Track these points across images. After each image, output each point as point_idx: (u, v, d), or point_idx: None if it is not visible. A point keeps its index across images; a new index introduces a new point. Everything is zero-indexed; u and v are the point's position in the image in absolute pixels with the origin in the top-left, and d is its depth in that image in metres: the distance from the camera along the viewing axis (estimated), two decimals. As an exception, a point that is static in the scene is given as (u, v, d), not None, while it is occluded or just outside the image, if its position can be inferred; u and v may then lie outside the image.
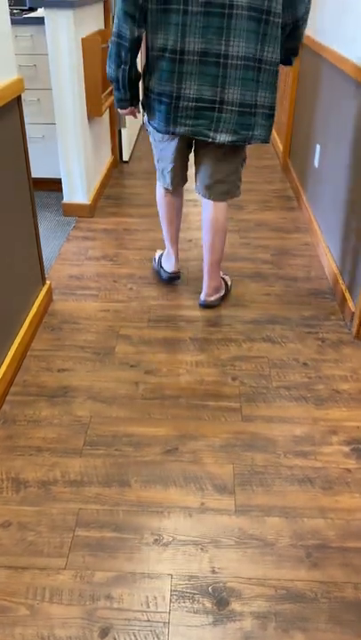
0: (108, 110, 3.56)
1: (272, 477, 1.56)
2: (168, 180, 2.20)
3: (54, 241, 2.91)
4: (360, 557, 1.35)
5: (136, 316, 2.28)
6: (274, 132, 4.61)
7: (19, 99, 1.91)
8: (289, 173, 3.78)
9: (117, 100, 2.03)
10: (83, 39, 2.85)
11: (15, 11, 3.23)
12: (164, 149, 2.13)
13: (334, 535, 1.40)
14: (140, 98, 2.06)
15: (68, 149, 3.00)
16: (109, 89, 3.37)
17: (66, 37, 2.71)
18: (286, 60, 2.01)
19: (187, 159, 2.19)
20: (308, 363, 2.02)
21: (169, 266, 2.50)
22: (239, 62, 1.81)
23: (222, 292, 2.39)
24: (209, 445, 1.66)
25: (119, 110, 2.09)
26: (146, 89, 1.99)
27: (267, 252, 2.83)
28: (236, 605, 1.25)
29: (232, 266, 2.68)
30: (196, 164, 2.14)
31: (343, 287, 2.32)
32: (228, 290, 2.43)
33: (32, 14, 3.11)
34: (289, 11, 1.81)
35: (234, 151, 2.06)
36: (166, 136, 2.06)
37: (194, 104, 1.89)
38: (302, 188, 3.34)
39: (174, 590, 1.28)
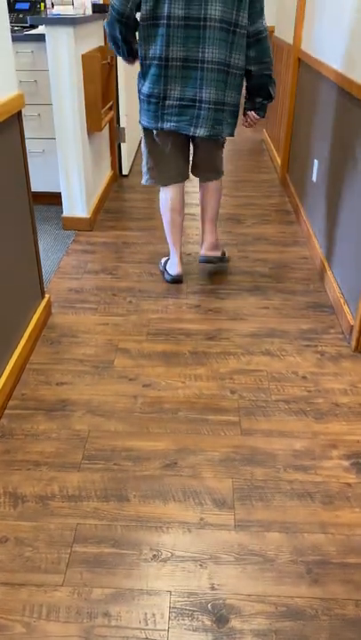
0: (107, 125, 3.59)
1: (272, 492, 1.55)
2: (171, 173, 2.46)
3: (54, 254, 2.92)
4: (361, 573, 1.34)
5: (135, 330, 2.28)
6: (273, 148, 4.65)
7: (19, 114, 1.92)
8: (287, 188, 3.80)
9: (121, 56, 2.34)
10: (83, 55, 2.89)
11: (16, 27, 3.27)
12: (162, 150, 2.40)
13: (335, 551, 1.39)
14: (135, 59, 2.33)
15: (68, 164, 3.02)
16: (109, 104, 3.41)
17: (66, 53, 2.74)
18: (254, 100, 2.35)
19: (186, 153, 2.47)
20: (308, 376, 2.01)
21: (173, 269, 2.63)
22: (213, 66, 2.14)
23: (219, 252, 2.70)
24: (208, 460, 1.65)
25: (126, 61, 2.38)
26: (139, 92, 2.30)
27: (265, 265, 2.84)
28: (235, 623, 1.23)
29: (231, 279, 2.68)
30: (193, 155, 2.50)
31: (342, 300, 2.32)
32: (226, 258, 2.77)
33: (33, 31, 3.15)
34: (251, 24, 2.17)
35: (215, 142, 2.45)
36: (164, 139, 2.35)
37: (178, 102, 2.21)
38: (301, 202, 3.36)
39: (173, 607, 1.26)
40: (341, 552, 1.38)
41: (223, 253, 2.73)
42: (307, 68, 3.22)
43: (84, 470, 1.61)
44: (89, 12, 2.99)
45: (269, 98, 2.33)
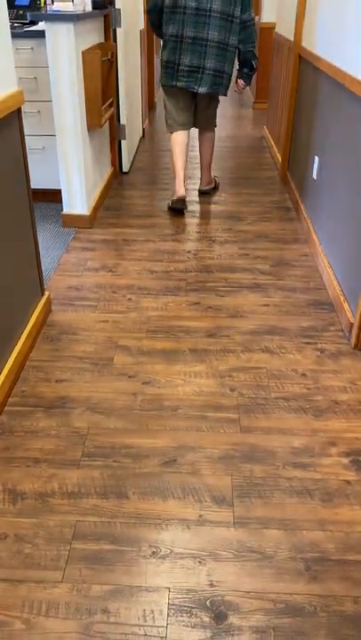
0: (107, 122, 3.59)
1: (271, 489, 1.55)
2: (182, 121, 3.36)
3: (53, 252, 2.91)
4: (360, 570, 1.34)
5: (135, 327, 2.28)
6: (273, 144, 4.65)
7: (19, 111, 1.92)
8: (288, 185, 3.80)
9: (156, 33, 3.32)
10: (83, 52, 2.88)
11: (16, 24, 3.26)
12: (176, 100, 3.31)
13: (334, 548, 1.39)
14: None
15: (68, 161, 3.01)
16: (109, 101, 3.40)
17: (66, 50, 2.74)
18: (241, 70, 3.31)
19: (191, 108, 3.36)
20: (307, 373, 2.01)
21: (178, 191, 3.40)
22: (214, 44, 3.08)
23: (213, 185, 3.76)
24: (207, 457, 1.65)
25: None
26: (162, 60, 3.22)
27: (266, 262, 2.84)
28: (234, 619, 1.23)
29: (231, 277, 2.68)
30: (195, 107, 3.39)
31: (342, 298, 2.32)
32: (216, 186, 3.82)
33: (33, 27, 3.14)
34: (241, 14, 3.08)
35: (212, 99, 3.38)
36: (176, 91, 3.27)
37: (187, 68, 3.14)
38: (301, 199, 3.35)
39: (172, 604, 1.26)
40: (340, 549, 1.39)
41: (216, 185, 3.79)
42: (307, 64, 3.21)
43: (84, 467, 1.61)
44: (89, 8, 2.98)
45: (252, 69, 3.29)
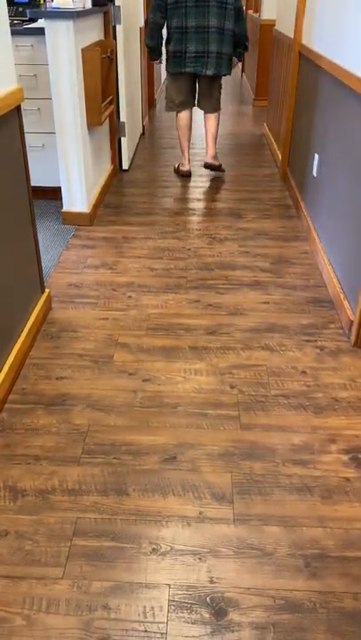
0: (107, 119, 3.59)
1: (271, 486, 1.55)
2: (178, 101, 3.80)
3: (54, 249, 2.92)
4: (359, 567, 1.35)
5: (135, 325, 2.28)
6: (273, 142, 4.64)
7: (18, 108, 1.92)
8: (288, 182, 3.80)
9: (152, 57, 3.87)
10: (83, 49, 2.88)
11: (16, 21, 3.26)
12: (178, 85, 3.75)
13: (333, 545, 1.40)
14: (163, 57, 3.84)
15: (68, 158, 3.01)
16: (109, 98, 3.40)
17: (66, 47, 2.73)
18: (235, 50, 3.69)
19: (191, 92, 3.81)
20: (307, 371, 2.01)
21: (184, 167, 4.00)
22: (214, 30, 3.51)
23: (217, 162, 4.02)
24: (207, 454, 1.66)
25: (152, 61, 4.03)
26: (167, 51, 3.64)
27: (266, 260, 2.84)
28: (234, 616, 1.24)
29: (231, 274, 2.69)
30: (198, 93, 3.85)
31: (342, 295, 2.32)
32: (223, 168, 4.09)
33: (32, 25, 3.14)
34: (235, 2, 3.51)
35: (215, 81, 3.78)
36: (180, 76, 3.70)
37: (194, 55, 3.57)
38: (301, 196, 3.35)
39: (172, 600, 1.27)
40: (340, 546, 1.39)
41: (220, 165, 4.03)
42: (308, 61, 3.21)
43: (84, 464, 1.62)
44: (89, 5, 2.98)
45: (246, 48, 3.73)
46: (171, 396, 1.88)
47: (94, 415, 1.80)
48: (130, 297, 2.49)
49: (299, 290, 2.56)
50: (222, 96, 4.06)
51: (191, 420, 1.79)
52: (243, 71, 8.92)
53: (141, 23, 4.93)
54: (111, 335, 2.21)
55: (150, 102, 6.36)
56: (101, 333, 2.22)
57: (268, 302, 2.45)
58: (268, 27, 5.50)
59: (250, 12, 7.60)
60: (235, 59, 3.76)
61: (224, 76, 3.71)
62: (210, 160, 4.01)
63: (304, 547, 1.39)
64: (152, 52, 3.79)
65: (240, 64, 4.13)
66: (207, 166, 4.03)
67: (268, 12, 5.82)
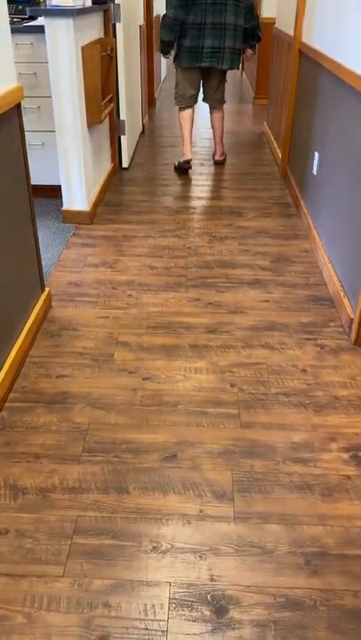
0: (107, 117, 3.58)
1: (271, 484, 1.55)
2: (189, 95, 3.98)
3: (54, 248, 2.91)
4: (360, 565, 1.35)
5: (135, 323, 2.28)
6: (273, 140, 4.64)
7: (18, 106, 1.92)
8: (288, 181, 3.79)
9: (164, 51, 3.91)
10: (82, 47, 2.87)
11: (15, 19, 3.25)
12: (190, 79, 3.93)
13: (334, 542, 1.40)
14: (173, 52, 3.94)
15: (68, 157, 3.01)
16: (109, 97, 3.39)
17: (66, 45, 2.73)
18: (249, 42, 3.95)
19: (200, 86, 4.01)
20: (307, 369, 2.01)
21: (185, 154, 4.09)
22: (230, 27, 3.70)
23: (224, 157, 4.34)
24: (208, 452, 1.66)
25: (163, 55, 4.01)
26: (181, 46, 3.78)
27: (266, 258, 2.84)
28: (235, 613, 1.24)
29: (231, 273, 2.68)
30: (205, 87, 4.04)
31: (342, 293, 2.32)
32: (225, 158, 4.40)
33: (32, 23, 3.13)
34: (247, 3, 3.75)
35: (223, 75, 4.01)
36: (193, 71, 3.89)
37: (210, 50, 3.74)
38: (301, 195, 3.35)
39: (173, 598, 1.27)
40: (340, 544, 1.39)
41: (225, 157, 4.38)
42: (308, 59, 3.20)
43: (85, 463, 1.62)
44: (89, 3, 2.97)
45: (259, 39, 3.95)
46: (171, 395, 1.88)
47: (94, 413, 1.80)
48: (130, 295, 2.48)
49: (299, 288, 2.56)
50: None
51: (191, 418, 1.79)
52: (243, 70, 8.92)
53: (141, 21, 4.92)
54: (111, 333, 2.21)
55: (150, 100, 6.36)
56: (102, 332, 2.22)
57: (268, 300, 2.45)
58: (269, 25, 5.49)
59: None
60: (249, 50, 4.03)
61: (236, 69, 3.99)
62: (218, 158, 4.32)
63: (304, 544, 1.39)
64: (167, 47, 3.85)
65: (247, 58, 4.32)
66: (216, 163, 4.34)
67: (268, 10, 5.81)
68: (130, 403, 1.85)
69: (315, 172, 2.96)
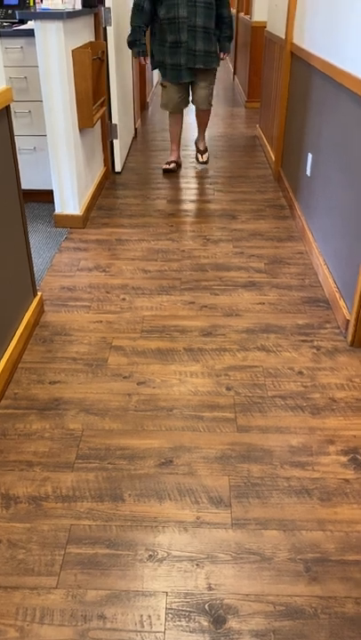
0: (99, 121, 3.56)
1: (269, 489, 1.52)
2: (175, 103, 3.94)
3: (46, 252, 2.88)
4: None
5: (129, 327, 2.25)
6: (266, 143, 4.63)
7: (7, 108, 1.89)
8: (282, 182, 3.78)
9: (131, 46, 3.83)
10: (73, 51, 2.85)
11: (5, 23, 3.23)
12: (173, 89, 3.88)
13: (334, 548, 1.37)
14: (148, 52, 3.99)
15: (60, 161, 2.98)
16: (100, 100, 3.37)
17: (56, 49, 2.71)
18: (222, 46, 3.89)
19: (187, 92, 3.96)
20: (304, 371, 1.99)
21: (173, 154, 4.21)
22: (200, 29, 3.63)
23: (206, 156, 4.36)
24: (204, 457, 1.63)
25: (135, 55, 3.97)
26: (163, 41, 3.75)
27: (260, 261, 2.82)
28: (233, 623, 1.21)
29: (226, 275, 2.66)
30: (193, 91, 3.98)
31: (338, 295, 2.30)
32: (208, 158, 4.40)
33: (22, 26, 3.11)
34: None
35: (207, 74, 3.88)
36: (175, 80, 3.83)
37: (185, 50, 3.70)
38: (295, 196, 3.33)
39: (169, 608, 1.24)
40: (340, 549, 1.36)
41: (207, 157, 4.40)
42: (300, 61, 3.19)
43: (78, 470, 1.58)
44: (79, 6, 2.96)
45: (230, 39, 3.92)
46: (166, 399, 1.85)
47: (88, 419, 1.77)
48: (124, 299, 2.46)
49: (294, 290, 2.53)
50: (214, 99, 4.10)
51: (187, 422, 1.76)
52: (234, 73, 8.93)
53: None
54: (105, 338, 2.18)
55: (142, 104, 6.35)
56: (95, 336, 2.19)
57: (263, 303, 2.43)
58: (260, 29, 5.49)
59: (241, 14, 7.61)
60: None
61: (214, 68, 3.90)
62: (202, 157, 4.39)
63: (304, 551, 1.36)
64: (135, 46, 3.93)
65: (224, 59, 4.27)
66: (199, 162, 4.39)
67: (260, 14, 5.82)
68: (124, 408, 1.82)
69: (308, 173, 2.94)
